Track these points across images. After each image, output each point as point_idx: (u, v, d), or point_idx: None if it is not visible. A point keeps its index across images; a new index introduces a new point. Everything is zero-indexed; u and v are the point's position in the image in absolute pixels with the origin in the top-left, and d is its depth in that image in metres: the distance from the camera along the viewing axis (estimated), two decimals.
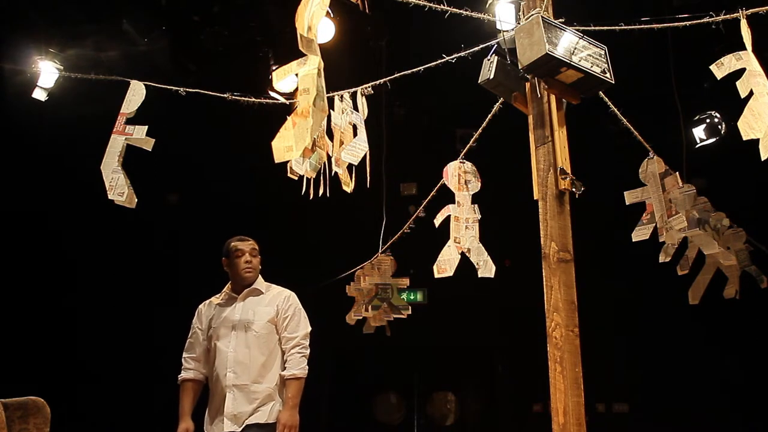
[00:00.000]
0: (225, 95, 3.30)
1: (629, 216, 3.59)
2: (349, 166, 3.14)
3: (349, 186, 3.14)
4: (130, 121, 2.88)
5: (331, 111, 3.10)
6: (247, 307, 3.14)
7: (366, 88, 3.23)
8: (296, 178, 3.06)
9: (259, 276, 3.25)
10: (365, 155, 3.16)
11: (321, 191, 3.06)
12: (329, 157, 3.10)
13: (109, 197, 2.82)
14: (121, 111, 2.89)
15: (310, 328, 3.16)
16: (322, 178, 3.06)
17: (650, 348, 5.89)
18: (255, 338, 3.04)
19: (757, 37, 2.57)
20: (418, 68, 3.23)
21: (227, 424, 2.96)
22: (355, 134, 3.17)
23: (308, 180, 3.05)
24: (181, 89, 3.21)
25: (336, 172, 3.11)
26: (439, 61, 3.16)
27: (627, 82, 3.04)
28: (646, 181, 3.54)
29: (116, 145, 2.82)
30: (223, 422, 2.96)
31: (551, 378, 2.42)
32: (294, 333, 3.09)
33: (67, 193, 5.82)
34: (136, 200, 2.86)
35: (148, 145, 2.82)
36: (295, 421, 2.96)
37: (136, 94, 2.90)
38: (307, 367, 3.07)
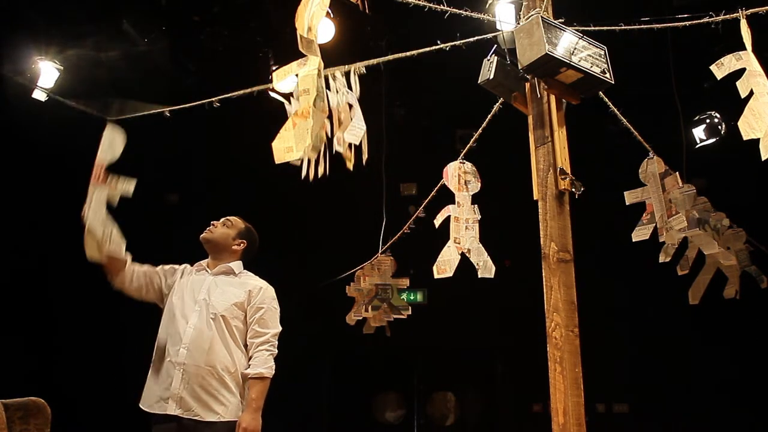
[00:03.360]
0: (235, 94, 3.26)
1: (629, 216, 3.59)
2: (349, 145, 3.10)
3: (350, 161, 3.10)
4: (111, 168, 2.79)
5: (327, 91, 3.07)
6: (216, 284, 2.89)
7: (359, 67, 3.19)
8: (298, 164, 3.02)
9: (239, 261, 3.02)
10: (363, 134, 3.10)
11: (321, 172, 3.02)
12: (329, 138, 3.07)
13: (105, 253, 2.80)
14: (98, 160, 2.70)
15: (280, 329, 2.91)
16: (321, 158, 3.03)
17: (650, 348, 5.89)
18: (217, 320, 2.78)
19: (757, 37, 2.57)
20: (412, 52, 3.18)
21: (171, 406, 2.67)
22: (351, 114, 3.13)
23: (308, 162, 3.01)
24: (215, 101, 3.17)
25: (336, 152, 3.06)
26: (434, 47, 3.13)
27: (627, 82, 3.04)
28: (646, 181, 3.54)
29: (100, 196, 2.73)
30: (167, 403, 2.68)
31: (551, 378, 2.42)
32: (266, 329, 2.83)
33: (67, 193, 5.82)
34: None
35: (131, 187, 2.75)
36: (258, 425, 2.69)
37: (113, 139, 2.75)
38: (274, 366, 2.81)
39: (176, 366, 2.71)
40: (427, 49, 3.16)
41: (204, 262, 3.02)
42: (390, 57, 3.25)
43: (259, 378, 2.75)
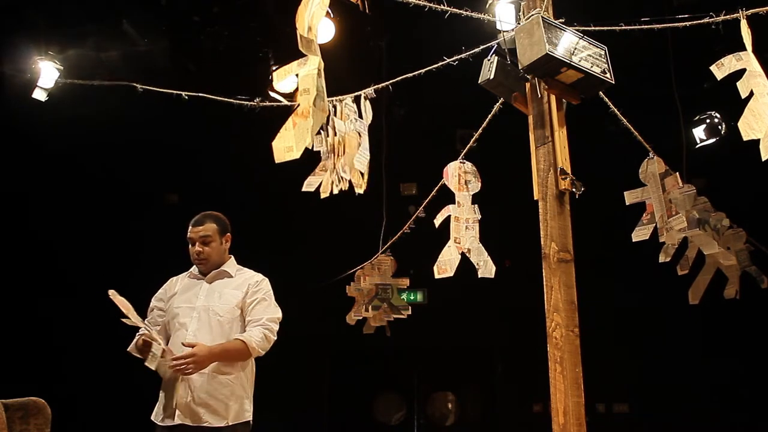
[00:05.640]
0: (250, 102, 3.27)
1: (629, 216, 3.59)
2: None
3: (360, 186, 3.14)
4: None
5: (335, 118, 3.11)
6: (213, 289, 2.87)
7: (369, 92, 3.22)
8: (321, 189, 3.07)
9: (231, 258, 2.99)
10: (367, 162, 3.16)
11: (340, 188, 3.05)
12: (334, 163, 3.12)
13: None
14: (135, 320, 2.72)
15: (280, 315, 2.87)
16: (334, 178, 3.06)
17: (650, 348, 5.89)
18: (218, 324, 2.76)
19: (757, 37, 2.57)
20: (419, 71, 3.22)
21: (178, 416, 2.64)
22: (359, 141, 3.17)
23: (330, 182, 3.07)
24: (184, 93, 3.20)
25: (343, 176, 3.11)
26: (440, 63, 3.16)
27: (627, 82, 3.04)
28: (646, 181, 3.54)
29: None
30: (174, 414, 2.65)
31: (551, 378, 2.41)
32: (260, 315, 2.80)
33: (68, 192, 5.82)
34: None
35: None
36: (205, 361, 2.61)
37: (121, 303, 2.73)
38: (262, 345, 2.73)
39: (181, 376, 2.69)
40: (434, 66, 3.19)
41: (196, 269, 2.99)
42: (399, 78, 3.28)
43: (240, 341, 2.71)
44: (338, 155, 3.12)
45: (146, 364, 2.67)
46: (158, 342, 2.68)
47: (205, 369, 2.69)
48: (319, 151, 3.21)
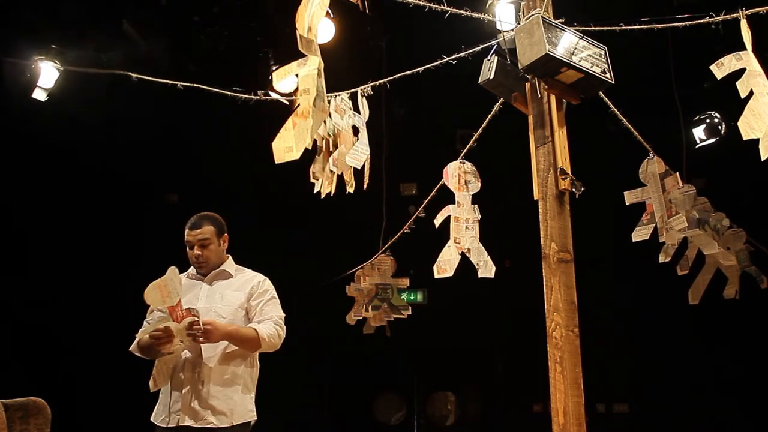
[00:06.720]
0: (245, 95, 3.26)
1: (629, 216, 3.59)
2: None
3: (351, 186, 3.12)
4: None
5: (331, 111, 3.09)
6: (214, 291, 2.86)
7: (366, 88, 3.21)
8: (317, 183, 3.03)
9: (229, 258, 2.97)
10: (366, 159, 3.11)
11: (329, 190, 3.03)
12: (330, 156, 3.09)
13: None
14: (177, 303, 2.58)
15: (284, 315, 2.89)
16: (329, 176, 3.04)
17: (650, 348, 5.89)
18: None
19: (757, 37, 2.57)
20: (417, 69, 3.22)
21: (183, 418, 2.65)
22: (356, 136, 3.15)
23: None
24: (179, 83, 3.20)
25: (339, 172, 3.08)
26: (439, 62, 3.15)
27: (627, 82, 3.04)
28: (646, 181, 3.54)
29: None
30: (178, 415, 2.65)
31: (551, 378, 2.41)
32: (270, 314, 2.82)
33: (69, 192, 5.82)
34: None
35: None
36: (216, 335, 2.59)
37: (173, 278, 2.59)
38: (273, 340, 2.74)
39: (184, 376, 2.69)
40: (432, 64, 3.17)
41: (195, 270, 2.98)
42: (396, 76, 3.26)
43: (252, 329, 2.71)
44: (329, 150, 3.08)
45: (159, 358, 2.67)
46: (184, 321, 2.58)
47: (211, 363, 2.68)
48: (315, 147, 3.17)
